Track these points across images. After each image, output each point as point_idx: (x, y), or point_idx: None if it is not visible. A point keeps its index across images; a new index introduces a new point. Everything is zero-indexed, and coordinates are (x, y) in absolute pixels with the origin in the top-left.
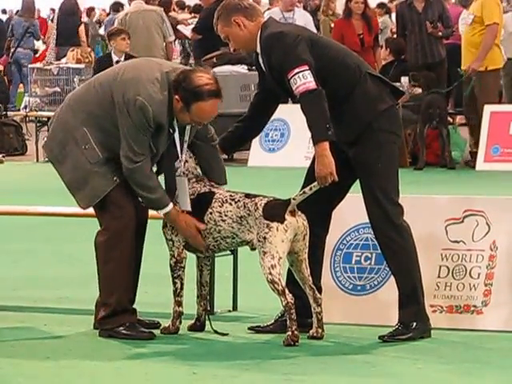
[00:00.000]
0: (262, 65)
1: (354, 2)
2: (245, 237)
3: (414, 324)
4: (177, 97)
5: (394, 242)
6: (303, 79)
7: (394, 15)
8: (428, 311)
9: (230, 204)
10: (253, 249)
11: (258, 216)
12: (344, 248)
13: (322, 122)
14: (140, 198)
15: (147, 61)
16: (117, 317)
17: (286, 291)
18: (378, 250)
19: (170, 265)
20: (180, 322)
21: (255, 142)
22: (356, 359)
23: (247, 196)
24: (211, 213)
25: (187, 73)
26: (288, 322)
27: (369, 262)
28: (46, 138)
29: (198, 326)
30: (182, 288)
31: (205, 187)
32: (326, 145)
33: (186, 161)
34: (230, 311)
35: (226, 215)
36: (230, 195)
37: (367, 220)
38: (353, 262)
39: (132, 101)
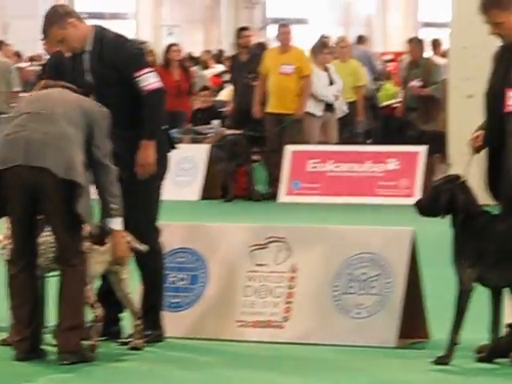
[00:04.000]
0: (90, 61)
1: (172, 51)
2: None
3: (150, 332)
4: None
5: (148, 263)
6: (154, 78)
7: None
8: (235, 326)
9: None
10: None
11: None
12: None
13: (160, 123)
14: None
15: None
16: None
17: (96, 304)
18: (193, 272)
19: None
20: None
21: None
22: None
23: None
24: (48, 235)
25: None
26: (91, 333)
27: (183, 282)
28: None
29: None
30: None
31: None
32: (154, 143)
33: None
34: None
35: None
36: None
37: (184, 246)
38: (169, 282)
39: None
